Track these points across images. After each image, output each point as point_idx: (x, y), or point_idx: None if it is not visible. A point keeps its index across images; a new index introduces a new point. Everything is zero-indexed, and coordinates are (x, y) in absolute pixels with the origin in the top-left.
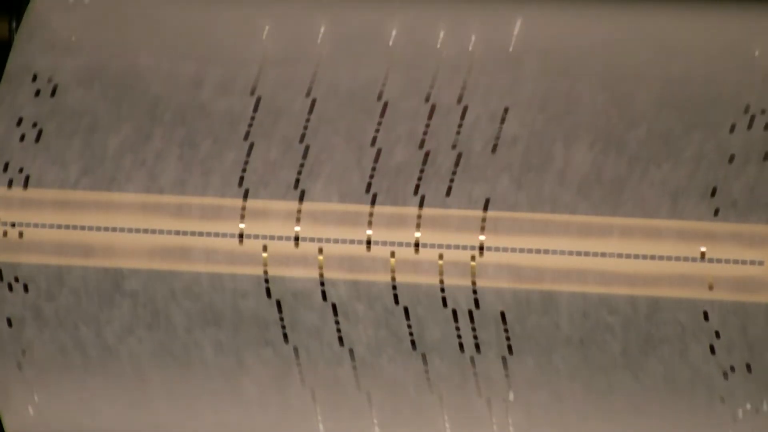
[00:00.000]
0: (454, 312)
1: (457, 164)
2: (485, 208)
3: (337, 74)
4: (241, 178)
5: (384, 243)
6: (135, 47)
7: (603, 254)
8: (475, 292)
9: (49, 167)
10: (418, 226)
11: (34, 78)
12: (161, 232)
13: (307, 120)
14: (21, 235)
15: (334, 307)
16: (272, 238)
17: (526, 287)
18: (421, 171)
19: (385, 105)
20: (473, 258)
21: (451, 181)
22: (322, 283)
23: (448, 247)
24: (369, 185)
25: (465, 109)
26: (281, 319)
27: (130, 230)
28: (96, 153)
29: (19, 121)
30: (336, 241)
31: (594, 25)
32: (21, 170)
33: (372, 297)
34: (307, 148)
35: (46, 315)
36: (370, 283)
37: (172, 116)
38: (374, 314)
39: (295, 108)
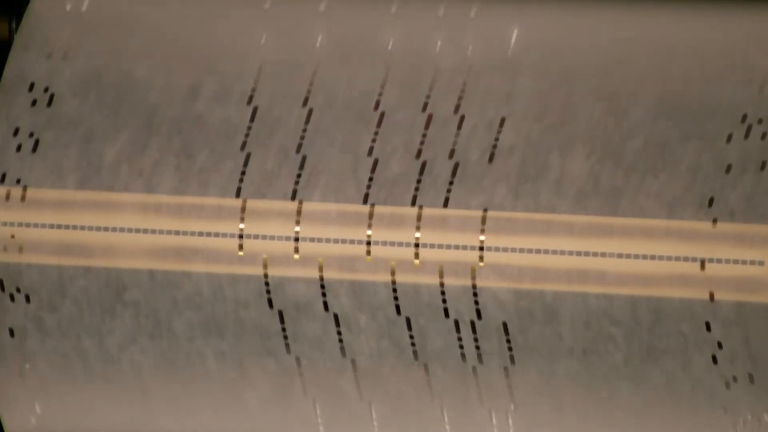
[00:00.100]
0: (456, 322)
1: (454, 174)
2: (483, 221)
3: (334, 84)
4: (239, 189)
5: (384, 243)
6: (132, 57)
7: (603, 254)
8: (477, 303)
9: (46, 177)
10: (417, 228)
11: (31, 87)
12: (161, 232)
13: (304, 130)
14: (21, 249)
15: (336, 317)
16: (272, 238)
17: (526, 287)
18: (418, 181)
19: (382, 115)
20: (477, 258)
21: (448, 191)
22: (324, 294)
23: (448, 247)
24: (366, 195)
25: (462, 119)
26: (283, 330)
27: (129, 230)
28: (93, 163)
29: (16, 131)
30: (336, 241)
31: (591, 35)
32: (18, 181)
33: (374, 307)
34: (304, 158)
35: (48, 325)
36: (371, 293)
37: (168, 126)
38: (376, 324)
39: (292, 118)
